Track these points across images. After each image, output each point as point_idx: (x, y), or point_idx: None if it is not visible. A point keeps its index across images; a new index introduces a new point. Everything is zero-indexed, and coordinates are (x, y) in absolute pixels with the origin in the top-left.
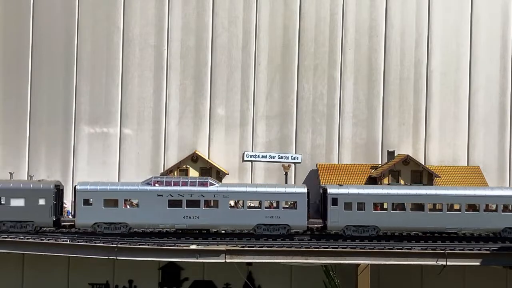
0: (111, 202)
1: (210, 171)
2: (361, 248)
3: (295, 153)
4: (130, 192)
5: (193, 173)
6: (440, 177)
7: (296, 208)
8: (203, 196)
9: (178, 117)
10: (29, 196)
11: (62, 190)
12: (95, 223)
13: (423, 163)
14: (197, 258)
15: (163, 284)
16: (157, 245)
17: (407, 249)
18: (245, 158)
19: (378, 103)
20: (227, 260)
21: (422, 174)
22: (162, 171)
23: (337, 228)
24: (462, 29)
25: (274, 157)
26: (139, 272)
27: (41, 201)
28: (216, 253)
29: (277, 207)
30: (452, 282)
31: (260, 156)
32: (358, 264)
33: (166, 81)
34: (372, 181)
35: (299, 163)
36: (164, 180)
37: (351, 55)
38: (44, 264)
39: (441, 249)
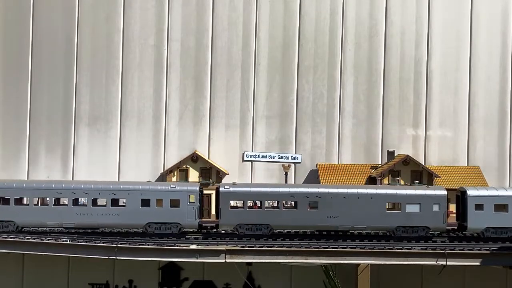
0: (502, 207)
1: (210, 171)
2: (361, 248)
3: (295, 153)
4: None
5: (193, 173)
6: (440, 177)
7: None
8: None
9: (178, 117)
10: (424, 202)
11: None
12: (487, 227)
13: (423, 163)
14: (197, 258)
15: (163, 284)
16: (157, 245)
17: (407, 249)
18: (245, 158)
19: (378, 103)
20: (227, 260)
21: (422, 174)
22: (162, 171)
23: None
24: (462, 28)
25: (274, 157)
26: (139, 272)
27: (435, 208)
28: (216, 253)
29: None
30: (452, 282)
31: (260, 156)
32: (358, 264)
33: (166, 81)
34: (372, 181)
35: (299, 163)
36: None
37: (351, 55)
38: (44, 264)
39: (441, 249)
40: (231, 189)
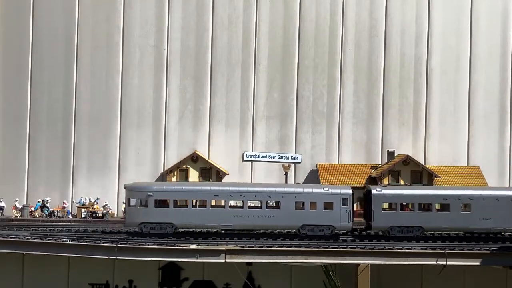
0: None
1: (210, 171)
2: (361, 248)
3: (295, 153)
4: None
5: (193, 173)
6: (440, 177)
7: None
8: None
9: (178, 117)
10: None
11: None
12: None
13: (423, 163)
14: (197, 258)
15: (163, 284)
16: (157, 245)
17: (407, 249)
18: (245, 158)
19: (378, 103)
20: (227, 260)
21: (422, 174)
22: (162, 171)
23: None
24: (462, 28)
25: (274, 157)
26: (139, 272)
27: None
28: (216, 253)
29: None
30: (452, 282)
31: (260, 156)
32: (358, 264)
33: (166, 81)
34: (372, 181)
35: (299, 163)
36: None
37: (351, 55)
38: (44, 264)
39: (441, 249)
40: (384, 191)
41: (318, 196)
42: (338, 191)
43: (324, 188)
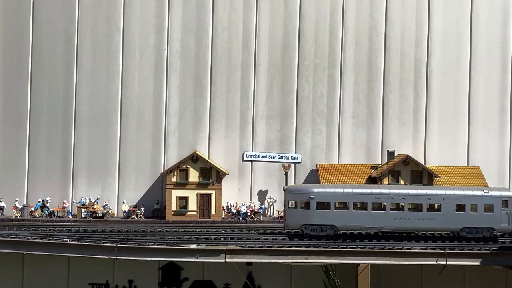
0: None
1: (210, 171)
2: (361, 248)
3: (295, 153)
4: None
5: (193, 173)
6: (440, 177)
7: None
8: None
9: (178, 117)
10: None
11: None
12: None
13: (423, 163)
14: (197, 258)
15: (163, 284)
16: (157, 245)
17: (407, 249)
18: (245, 158)
19: (378, 103)
20: (227, 260)
21: (422, 174)
22: (162, 171)
23: None
24: (462, 28)
25: (274, 157)
26: (139, 272)
27: None
28: (216, 253)
29: None
30: (452, 282)
31: (260, 156)
32: (358, 264)
33: (166, 81)
34: (372, 181)
35: (299, 163)
36: None
37: (351, 55)
38: (44, 264)
39: (441, 249)
40: None
41: (479, 198)
42: (499, 193)
43: (485, 191)
